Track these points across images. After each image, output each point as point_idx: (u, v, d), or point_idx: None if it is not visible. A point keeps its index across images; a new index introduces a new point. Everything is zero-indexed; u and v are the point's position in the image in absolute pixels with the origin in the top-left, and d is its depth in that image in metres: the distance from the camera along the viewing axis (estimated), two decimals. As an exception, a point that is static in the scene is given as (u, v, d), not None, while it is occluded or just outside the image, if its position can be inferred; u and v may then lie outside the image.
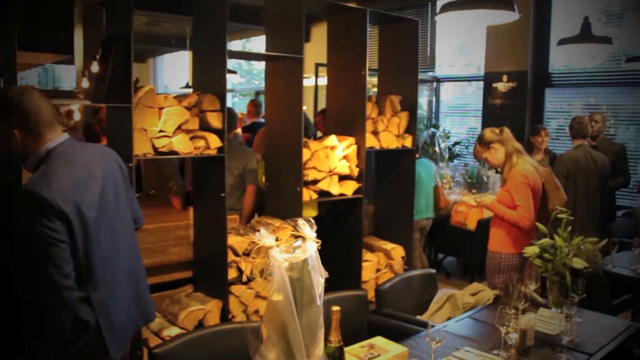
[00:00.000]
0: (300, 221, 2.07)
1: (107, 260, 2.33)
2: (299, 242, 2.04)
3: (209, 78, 3.78)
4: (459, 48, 8.98)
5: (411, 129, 4.86)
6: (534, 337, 2.80)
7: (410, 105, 4.82)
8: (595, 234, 4.73)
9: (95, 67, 5.87)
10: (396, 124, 4.73)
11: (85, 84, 6.02)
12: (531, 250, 3.13)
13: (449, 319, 3.36)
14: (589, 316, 3.22)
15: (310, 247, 2.02)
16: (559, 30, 6.88)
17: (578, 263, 2.97)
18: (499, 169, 4.04)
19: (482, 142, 3.94)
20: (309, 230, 2.05)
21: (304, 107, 4.17)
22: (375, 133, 4.62)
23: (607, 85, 6.98)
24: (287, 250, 2.01)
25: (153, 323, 3.48)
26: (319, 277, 2.03)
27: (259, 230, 2.00)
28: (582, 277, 3.03)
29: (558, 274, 3.03)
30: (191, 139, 3.58)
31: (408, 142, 4.82)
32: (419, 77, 4.86)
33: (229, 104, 4.17)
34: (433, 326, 2.45)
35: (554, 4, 7.31)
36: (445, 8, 3.00)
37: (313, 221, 2.08)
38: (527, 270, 3.18)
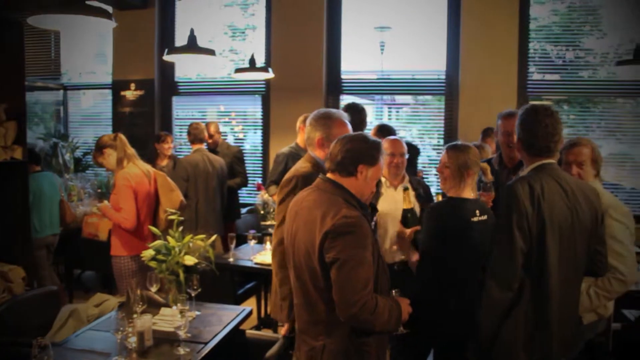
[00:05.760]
0: None
1: None
2: None
3: None
4: (97, 55, 8.65)
5: (21, 139, 4.54)
6: (154, 337, 2.88)
7: (18, 114, 4.50)
8: (218, 231, 5.09)
9: None
10: (2, 134, 4.38)
11: None
12: (147, 254, 3.22)
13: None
14: (209, 308, 3.45)
15: None
16: (182, 41, 7.13)
17: (189, 260, 3.16)
18: None
19: (97, 148, 4.06)
20: None
21: None
22: (-29, 146, 4.20)
23: (232, 94, 7.54)
24: None
25: None
26: None
27: None
28: (196, 273, 3.21)
29: (173, 272, 3.17)
30: None
31: (18, 153, 4.49)
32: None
33: None
34: (46, 346, 2.32)
35: (178, 17, 7.59)
36: (39, 11, 2.89)
37: None
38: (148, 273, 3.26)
